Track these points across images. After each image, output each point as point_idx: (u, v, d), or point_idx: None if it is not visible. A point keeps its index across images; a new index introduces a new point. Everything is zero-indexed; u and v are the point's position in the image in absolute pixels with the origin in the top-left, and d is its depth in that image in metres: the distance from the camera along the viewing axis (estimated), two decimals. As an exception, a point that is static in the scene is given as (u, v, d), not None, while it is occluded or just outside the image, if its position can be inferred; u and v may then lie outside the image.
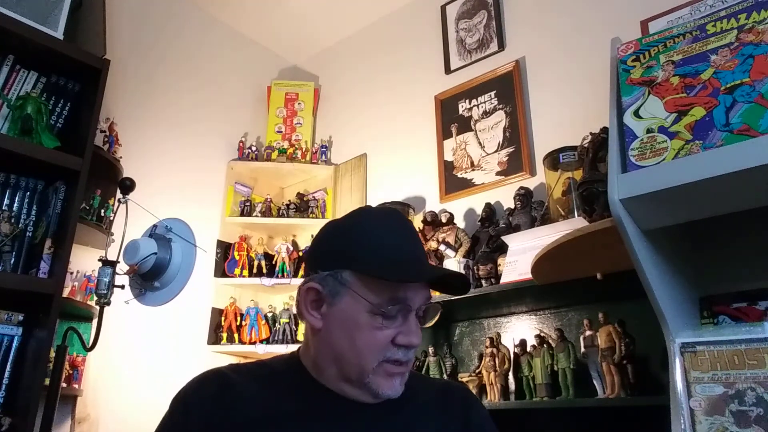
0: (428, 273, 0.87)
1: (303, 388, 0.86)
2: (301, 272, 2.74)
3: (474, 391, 1.97)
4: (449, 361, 2.12)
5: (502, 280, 1.93)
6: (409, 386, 0.92)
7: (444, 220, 2.29)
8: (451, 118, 2.64)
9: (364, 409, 0.85)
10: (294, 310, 2.73)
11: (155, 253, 1.71)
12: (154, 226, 1.81)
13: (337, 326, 0.83)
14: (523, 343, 1.99)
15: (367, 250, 0.84)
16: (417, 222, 2.48)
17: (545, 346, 1.88)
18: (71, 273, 2.10)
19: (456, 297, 2.01)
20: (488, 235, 2.14)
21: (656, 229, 1.01)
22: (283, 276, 2.73)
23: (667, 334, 0.97)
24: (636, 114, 0.98)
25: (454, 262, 2.11)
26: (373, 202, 2.66)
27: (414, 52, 2.94)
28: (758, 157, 0.81)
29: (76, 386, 2.06)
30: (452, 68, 2.73)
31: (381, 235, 0.86)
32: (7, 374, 1.60)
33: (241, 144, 3.03)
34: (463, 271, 2.08)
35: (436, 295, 2.10)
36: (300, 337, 2.66)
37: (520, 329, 2.09)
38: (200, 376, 0.88)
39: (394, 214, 0.93)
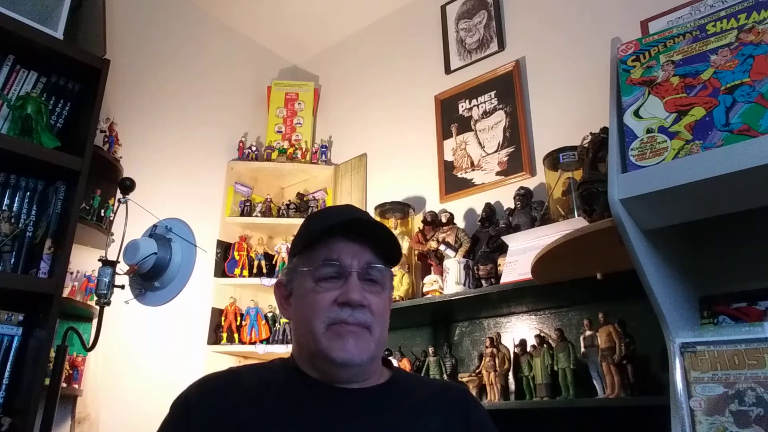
0: (338, 225, 0.88)
1: (296, 386, 0.87)
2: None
3: (474, 391, 1.97)
4: (449, 361, 2.12)
5: (502, 280, 1.93)
6: (408, 386, 0.92)
7: (444, 220, 2.29)
8: (451, 118, 2.64)
9: (361, 405, 0.85)
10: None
11: (155, 253, 1.71)
12: (154, 226, 1.81)
13: (296, 308, 0.90)
14: (523, 343, 1.98)
15: (302, 232, 0.95)
16: (417, 222, 2.48)
17: (545, 346, 1.88)
18: (71, 273, 2.10)
19: (456, 297, 2.02)
20: (488, 235, 2.14)
21: (656, 229, 1.01)
22: (283, 276, 2.73)
23: (667, 334, 0.97)
24: (636, 114, 0.98)
25: (454, 262, 2.11)
26: (373, 202, 2.66)
27: (414, 52, 2.94)
28: (758, 157, 0.81)
29: (76, 386, 2.06)
30: (452, 68, 2.73)
31: (314, 217, 0.98)
32: (7, 374, 1.59)
33: (241, 144, 3.03)
34: (463, 272, 2.08)
35: (436, 296, 2.11)
36: (300, 337, 2.66)
37: (520, 329, 2.08)
38: (200, 379, 0.90)
39: (341, 205, 1.02)
